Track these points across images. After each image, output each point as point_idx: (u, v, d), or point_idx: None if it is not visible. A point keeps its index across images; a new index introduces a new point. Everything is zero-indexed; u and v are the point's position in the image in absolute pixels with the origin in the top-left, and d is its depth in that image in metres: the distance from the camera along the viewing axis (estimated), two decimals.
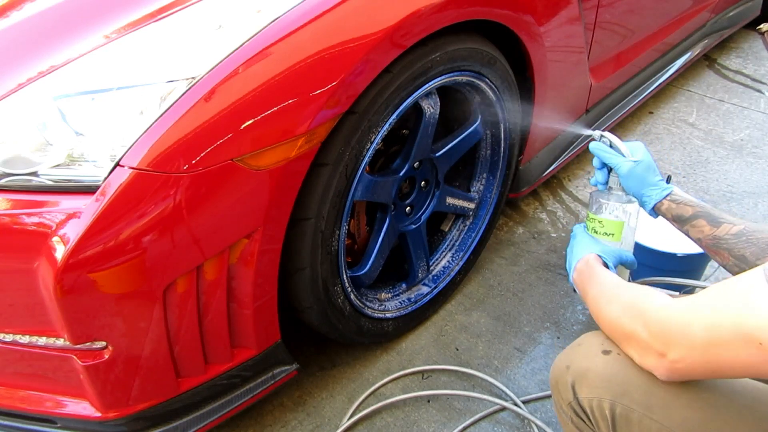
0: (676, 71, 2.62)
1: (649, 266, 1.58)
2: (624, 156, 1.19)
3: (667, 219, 1.14)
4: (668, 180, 1.72)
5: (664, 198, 1.13)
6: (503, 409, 1.48)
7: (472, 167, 1.78)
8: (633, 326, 0.88)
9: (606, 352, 0.95)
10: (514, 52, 1.61)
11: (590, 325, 1.71)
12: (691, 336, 0.79)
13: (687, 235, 1.11)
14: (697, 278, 1.67)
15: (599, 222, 1.21)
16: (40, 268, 1.02)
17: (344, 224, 1.34)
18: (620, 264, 1.16)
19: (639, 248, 1.58)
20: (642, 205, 1.18)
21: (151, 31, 1.21)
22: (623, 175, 1.18)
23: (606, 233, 1.20)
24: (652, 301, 0.88)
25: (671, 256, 1.55)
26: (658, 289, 1.12)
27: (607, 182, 1.24)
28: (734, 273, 1.01)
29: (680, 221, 1.11)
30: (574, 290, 1.18)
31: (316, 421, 1.49)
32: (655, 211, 1.16)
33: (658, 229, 1.50)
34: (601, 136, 1.25)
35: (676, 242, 1.52)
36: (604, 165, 1.24)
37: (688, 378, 0.86)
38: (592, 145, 1.24)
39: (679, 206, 1.12)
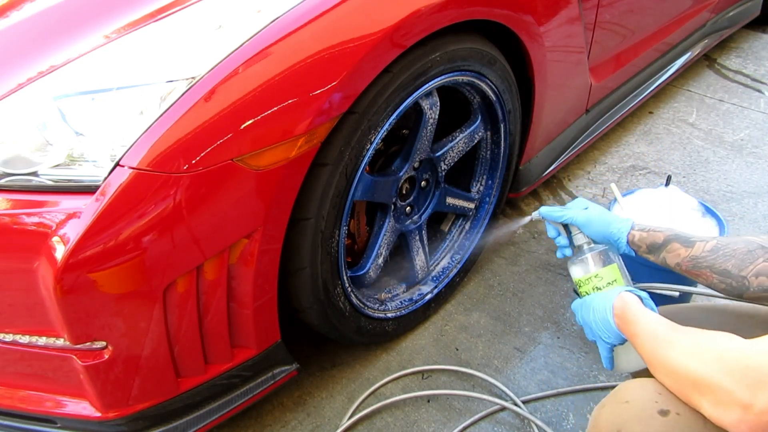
0: (676, 71, 2.62)
1: (649, 266, 1.58)
2: (572, 209, 1.20)
3: (641, 253, 1.11)
4: (668, 180, 1.73)
5: (632, 229, 1.12)
6: (503, 409, 1.48)
7: (472, 167, 1.78)
8: (708, 372, 0.76)
9: (663, 413, 0.82)
10: (514, 52, 1.61)
11: None
12: None
13: (665, 264, 1.07)
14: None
15: (595, 277, 1.14)
16: (40, 268, 1.02)
17: (344, 224, 1.34)
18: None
19: None
20: (615, 244, 1.15)
21: (151, 31, 1.21)
22: (583, 224, 1.18)
23: (608, 283, 1.13)
24: (729, 342, 0.77)
25: None
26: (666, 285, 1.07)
27: (570, 244, 1.23)
28: (720, 290, 1.00)
29: (655, 250, 1.08)
30: (610, 363, 1.08)
31: (316, 421, 1.49)
32: (630, 246, 1.13)
33: None
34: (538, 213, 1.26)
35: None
36: (558, 232, 1.24)
37: None
38: (543, 211, 1.24)
39: (650, 234, 1.10)
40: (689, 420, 0.79)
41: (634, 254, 1.13)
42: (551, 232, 1.26)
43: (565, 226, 1.23)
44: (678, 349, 0.82)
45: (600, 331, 1.03)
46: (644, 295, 1.03)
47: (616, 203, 1.66)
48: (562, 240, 1.24)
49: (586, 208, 1.20)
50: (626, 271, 1.18)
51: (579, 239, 1.20)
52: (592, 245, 1.19)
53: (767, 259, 0.95)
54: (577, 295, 1.18)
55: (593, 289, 1.14)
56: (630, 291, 1.02)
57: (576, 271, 1.17)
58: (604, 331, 1.02)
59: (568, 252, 1.24)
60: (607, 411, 0.88)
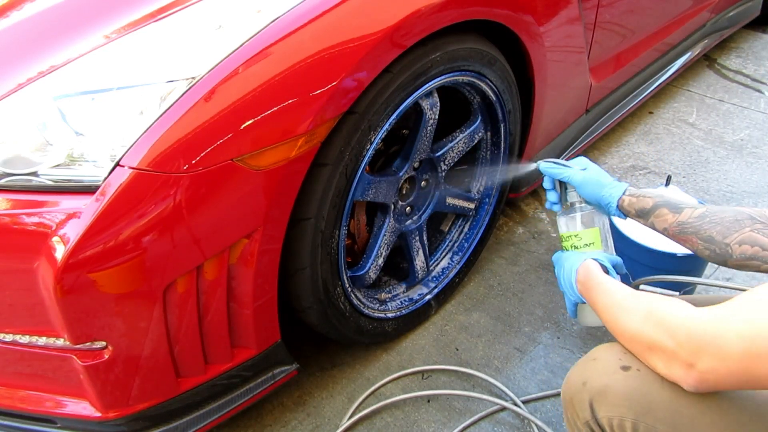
0: (676, 71, 2.62)
1: (648, 266, 1.58)
2: (572, 168, 1.23)
3: (631, 217, 1.15)
4: (668, 180, 1.73)
5: (624, 194, 1.15)
6: (503, 409, 1.48)
7: (473, 167, 1.78)
8: (657, 336, 0.85)
9: (625, 368, 0.92)
10: (514, 52, 1.61)
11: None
12: (725, 347, 0.76)
13: (653, 228, 1.11)
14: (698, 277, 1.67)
15: (576, 236, 1.20)
16: (40, 268, 1.02)
17: (344, 224, 1.34)
18: (612, 267, 1.14)
19: (639, 248, 1.58)
20: (606, 207, 1.18)
21: (151, 31, 1.21)
22: (579, 184, 1.20)
23: (586, 244, 1.20)
24: (675, 309, 0.85)
25: (671, 256, 1.55)
26: (667, 291, 1.12)
27: (560, 201, 1.27)
28: (705, 256, 1.03)
29: (644, 215, 1.11)
30: (574, 315, 1.18)
31: (316, 421, 1.49)
32: (620, 210, 1.16)
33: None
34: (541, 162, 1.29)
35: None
36: (553, 186, 1.28)
37: (716, 389, 0.83)
38: (542, 166, 1.27)
39: (640, 199, 1.12)
40: (648, 375, 0.89)
41: (624, 218, 1.17)
42: (546, 184, 1.29)
43: (561, 183, 1.27)
44: (633, 315, 0.90)
45: (566, 288, 1.14)
46: (616, 261, 1.14)
47: None
48: (553, 196, 1.29)
49: (584, 169, 1.23)
50: (610, 238, 1.23)
51: (572, 197, 1.24)
52: (583, 205, 1.23)
53: (754, 229, 0.97)
54: (561, 247, 1.26)
55: (571, 247, 1.21)
56: (596, 259, 1.10)
57: (561, 225, 1.24)
58: (569, 290, 1.13)
59: (556, 208, 1.29)
60: (578, 367, 0.98)
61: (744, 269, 0.97)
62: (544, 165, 1.27)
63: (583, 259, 1.11)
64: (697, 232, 1.02)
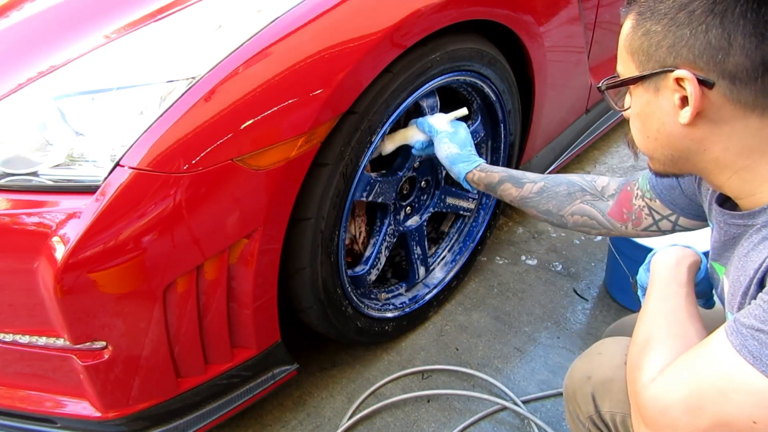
0: None
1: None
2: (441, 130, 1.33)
3: (480, 189, 1.27)
4: None
5: (474, 169, 1.26)
6: (503, 408, 1.48)
7: None
8: (631, 376, 0.77)
9: None
10: (514, 52, 1.61)
11: (590, 324, 1.71)
12: (673, 422, 0.69)
13: (502, 199, 1.24)
14: None
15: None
16: (40, 268, 1.02)
17: (344, 224, 1.34)
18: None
19: (637, 247, 1.58)
20: (456, 177, 1.29)
21: (151, 31, 1.21)
22: (438, 147, 1.32)
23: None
24: (647, 366, 0.75)
25: None
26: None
27: (423, 148, 1.38)
28: (547, 222, 1.19)
29: (491, 188, 1.24)
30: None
31: (316, 421, 1.49)
32: (469, 183, 1.27)
33: None
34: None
35: (673, 241, 1.51)
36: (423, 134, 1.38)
37: None
38: (419, 120, 1.38)
39: (488, 174, 1.24)
40: None
41: (472, 190, 1.31)
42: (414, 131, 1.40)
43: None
44: (639, 335, 0.81)
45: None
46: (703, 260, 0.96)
47: None
48: (419, 144, 1.39)
49: (453, 133, 1.32)
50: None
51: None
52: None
53: (584, 200, 1.12)
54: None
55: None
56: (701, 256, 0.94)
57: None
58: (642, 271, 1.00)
59: (419, 153, 1.41)
60: (581, 361, 0.97)
61: (580, 232, 1.07)
62: (422, 119, 1.38)
63: (680, 249, 0.93)
64: (536, 206, 1.17)
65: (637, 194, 1.07)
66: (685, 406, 0.67)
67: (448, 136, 1.31)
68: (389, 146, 1.41)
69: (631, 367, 0.78)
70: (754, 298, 0.68)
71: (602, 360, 0.93)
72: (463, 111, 1.39)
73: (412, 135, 1.38)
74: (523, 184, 1.19)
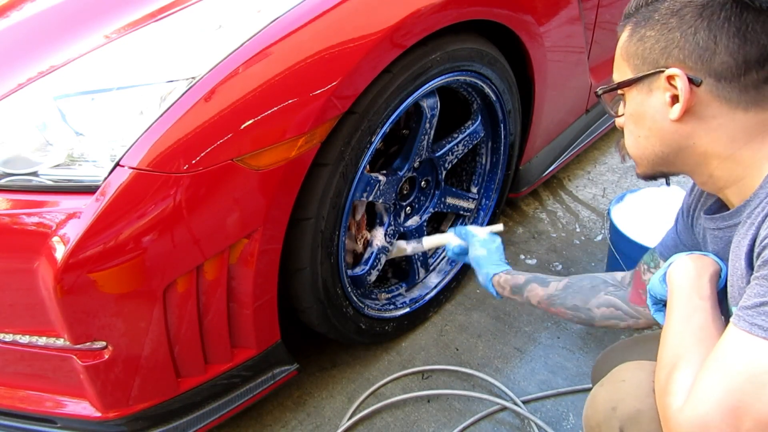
0: None
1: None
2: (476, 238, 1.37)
3: (506, 294, 1.26)
4: (668, 180, 1.73)
5: (498, 273, 1.28)
6: (503, 408, 1.48)
7: (473, 167, 1.78)
8: (661, 402, 0.74)
9: None
10: (514, 52, 1.61)
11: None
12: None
13: (529, 303, 1.22)
14: None
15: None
16: (40, 268, 1.02)
17: (344, 224, 1.34)
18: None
19: (636, 246, 1.58)
20: (482, 284, 1.32)
21: (151, 31, 1.21)
22: (470, 255, 1.36)
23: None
24: (678, 389, 0.72)
25: None
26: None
27: (461, 253, 1.41)
28: (575, 322, 1.16)
29: (517, 291, 1.23)
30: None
31: (316, 421, 1.49)
32: (494, 287, 1.28)
33: (654, 227, 1.50)
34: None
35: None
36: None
37: None
38: (456, 229, 1.43)
39: (513, 277, 1.25)
40: None
41: (498, 297, 1.29)
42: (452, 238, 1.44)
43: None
44: (666, 352, 0.78)
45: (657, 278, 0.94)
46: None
47: (615, 203, 1.69)
48: (456, 248, 1.41)
49: (483, 243, 1.35)
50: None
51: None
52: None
53: (607, 292, 1.10)
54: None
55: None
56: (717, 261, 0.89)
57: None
58: (657, 280, 0.93)
59: (450, 254, 1.44)
60: (604, 389, 0.91)
61: (607, 328, 1.02)
62: (459, 228, 1.43)
63: (690, 259, 0.88)
64: (564, 303, 1.15)
65: (644, 269, 1.06)
66: (721, 414, 0.65)
67: (480, 242, 1.36)
68: (427, 245, 1.53)
69: (660, 392, 0.75)
70: (749, 277, 0.71)
71: (627, 388, 0.88)
72: (499, 227, 1.46)
73: (450, 240, 1.43)
74: (548, 283, 1.19)
